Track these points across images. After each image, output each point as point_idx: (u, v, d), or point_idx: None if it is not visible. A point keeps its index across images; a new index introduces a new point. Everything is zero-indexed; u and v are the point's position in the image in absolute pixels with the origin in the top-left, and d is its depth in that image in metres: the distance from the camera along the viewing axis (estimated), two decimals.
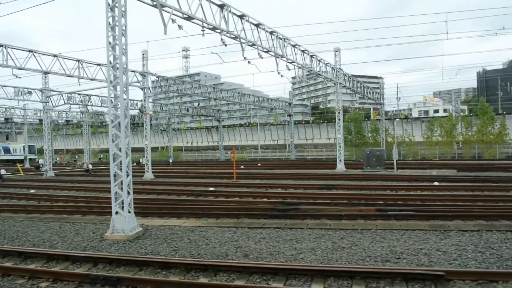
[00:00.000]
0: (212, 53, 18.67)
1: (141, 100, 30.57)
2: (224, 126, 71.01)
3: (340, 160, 29.54)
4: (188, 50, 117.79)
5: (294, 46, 22.03)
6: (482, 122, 43.29)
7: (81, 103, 36.86)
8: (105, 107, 36.01)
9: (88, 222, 12.68)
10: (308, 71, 24.75)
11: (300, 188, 19.63)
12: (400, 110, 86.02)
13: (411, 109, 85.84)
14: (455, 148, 45.03)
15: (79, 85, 25.48)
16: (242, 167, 35.43)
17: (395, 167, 27.23)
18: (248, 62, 17.02)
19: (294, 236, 9.99)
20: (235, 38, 16.14)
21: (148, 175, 27.34)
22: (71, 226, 12.15)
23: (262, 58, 18.13)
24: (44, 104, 31.62)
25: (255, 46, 17.69)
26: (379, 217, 11.77)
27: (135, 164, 43.35)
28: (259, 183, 22.43)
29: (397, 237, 9.60)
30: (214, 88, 40.79)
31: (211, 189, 19.77)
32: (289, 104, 48.56)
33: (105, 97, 32.43)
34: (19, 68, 21.87)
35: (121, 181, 10.39)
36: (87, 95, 36.27)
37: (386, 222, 11.26)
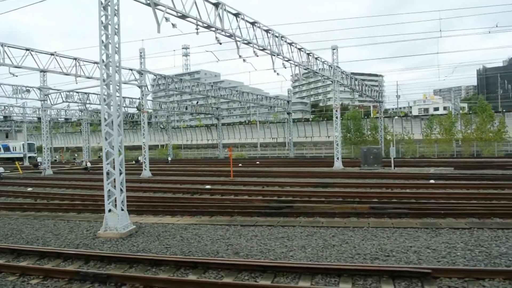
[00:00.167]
0: (207, 51, 18.66)
1: (139, 98, 30.59)
2: (223, 124, 71.06)
3: (338, 158, 29.58)
4: (188, 48, 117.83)
5: (290, 44, 22.04)
6: (481, 120, 43.28)
7: (80, 101, 36.90)
8: None
9: (83, 220, 12.74)
10: (305, 69, 24.76)
11: (296, 186, 19.69)
12: (400, 108, 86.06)
13: (411, 107, 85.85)
14: (454, 146, 45.04)
15: (76, 83, 25.53)
16: (240, 165, 35.50)
17: (392, 165, 27.27)
18: (244, 60, 17.05)
19: (286, 234, 10.03)
20: (230, 36, 16.16)
21: (146, 173, 27.39)
22: (66, 224, 12.21)
23: (257, 56, 18.16)
24: (42, 102, 31.67)
25: (251, 45, 17.70)
26: (372, 215, 11.81)
27: (134, 162, 43.45)
28: (256, 181, 22.46)
29: (388, 235, 9.64)
30: (212, 86, 40.80)
31: (208, 187, 19.82)
32: (288, 102, 48.53)
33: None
34: (16, 67, 21.92)
35: (114, 179, 10.44)
36: (86, 93, 36.35)
37: (379, 220, 11.30)
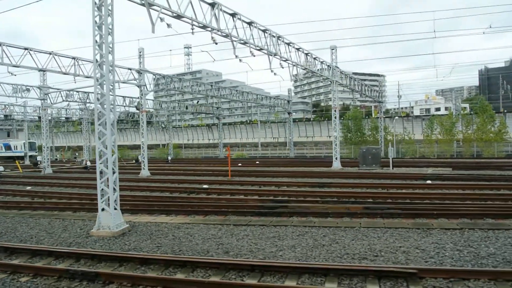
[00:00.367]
0: (202, 51, 18.75)
1: (137, 98, 30.68)
2: (225, 124, 71.06)
3: (336, 158, 29.58)
4: (190, 48, 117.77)
5: (288, 44, 22.06)
6: (481, 120, 43.16)
7: (80, 100, 37.03)
8: None
9: (77, 219, 12.82)
10: (303, 69, 24.78)
11: (293, 186, 19.72)
12: (402, 108, 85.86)
13: (412, 107, 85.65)
14: (455, 147, 44.95)
15: (75, 82, 25.62)
16: (239, 164, 35.54)
17: (391, 165, 27.25)
18: (240, 60, 17.10)
19: (277, 234, 10.07)
20: (226, 36, 16.20)
21: (144, 172, 27.47)
22: (60, 223, 12.29)
23: (254, 56, 18.21)
24: (42, 101, 31.80)
25: (247, 45, 17.73)
26: (365, 215, 11.83)
27: (134, 161, 43.56)
28: (253, 180, 22.50)
29: (379, 235, 9.67)
30: (211, 86, 40.87)
31: (205, 186, 19.87)
32: (288, 102, 48.54)
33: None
34: (14, 66, 22.04)
35: (108, 178, 10.51)
36: (86, 92, 36.49)
37: (371, 220, 11.33)
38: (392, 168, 26.89)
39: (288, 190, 18.03)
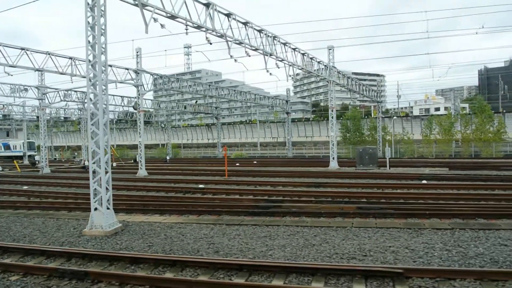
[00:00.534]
0: (197, 51, 18.77)
1: (135, 97, 30.70)
2: (224, 124, 71.16)
3: (333, 158, 29.61)
4: (190, 47, 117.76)
5: (284, 44, 22.09)
6: (480, 120, 43.17)
7: (78, 100, 37.06)
8: None
9: (72, 218, 12.87)
10: (300, 69, 24.81)
11: (289, 186, 19.75)
12: (402, 108, 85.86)
13: (412, 107, 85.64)
14: (453, 147, 44.96)
15: (72, 82, 25.66)
16: (237, 164, 35.58)
17: (388, 165, 27.27)
18: (235, 60, 17.13)
19: (269, 233, 10.11)
20: (221, 36, 16.23)
21: (142, 172, 27.52)
22: (54, 222, 12.34)
23: (249, 56, 18.24)
24: (40, 101, 31.85)
25: (243, 45, 17.76)
26: (358, 215, 11.86)
27: (132, 161, 43.61)
28: (250, 180, 22.53)
29: (369, 234, 9.70)
30: (209, 86, 40.90)
31: (201, 186, 19.91)
32: (286, 101, 48.57)
33: None
34: (11, 66, 22.08)
35: (100, 178, 10.55)
36: (84, 92, 36.46)
37: (363, 220, 11.36)
38: (389, 168, 26.92)
39: (283, 190, 18.07)
